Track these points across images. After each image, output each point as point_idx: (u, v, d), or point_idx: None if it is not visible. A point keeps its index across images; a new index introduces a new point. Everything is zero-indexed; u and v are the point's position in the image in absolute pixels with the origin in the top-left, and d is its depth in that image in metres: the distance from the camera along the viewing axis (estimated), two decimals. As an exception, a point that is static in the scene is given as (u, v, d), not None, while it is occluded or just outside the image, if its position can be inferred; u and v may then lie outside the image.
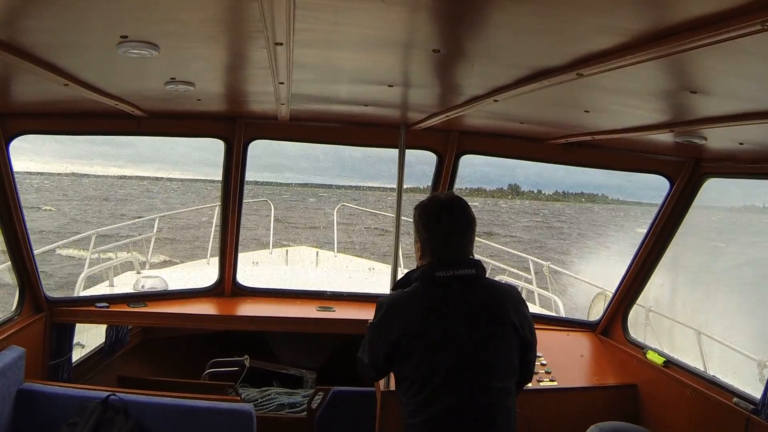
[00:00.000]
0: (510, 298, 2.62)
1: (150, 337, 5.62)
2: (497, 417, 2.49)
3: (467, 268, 2.55)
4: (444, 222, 2.61)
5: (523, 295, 8.58)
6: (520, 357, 2.61)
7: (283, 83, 2.77)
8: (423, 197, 2.82)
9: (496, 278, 9.70)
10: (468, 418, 2.47)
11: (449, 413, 2.46)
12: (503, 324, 2.54)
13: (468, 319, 2.51)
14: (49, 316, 4.22)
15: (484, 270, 2.61)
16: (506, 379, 2.54)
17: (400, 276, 3.08)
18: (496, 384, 2.49)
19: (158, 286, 5.12)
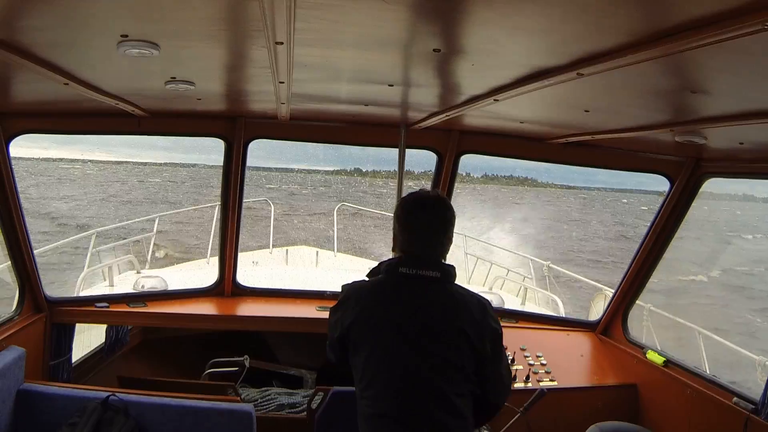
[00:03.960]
0: (470, 307, 2.51)
1: (150, 337, 5.62)
2: (442, 420, 2.43)
3: (432, 269, 2.51)
4: (417, 218, 2.58)
5: (523, 296, 8.62)
6: (476, 369, 2.51)
7: (283, 83, 2.77)
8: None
9: (495, 278, 9.71)
10: (413, 418, 2.43)
11: (396, 411, 2.44)
12: (454, 331, 2.47)
13: (419, 321, 2.47)
14: (49, 316, 4.22)
15: (451, 275, 2.54)
16: (452, 383, 2.46)
17: None
18: (441, 387, 2.44)
19: (158, 286, 5.12)
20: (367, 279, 2.68)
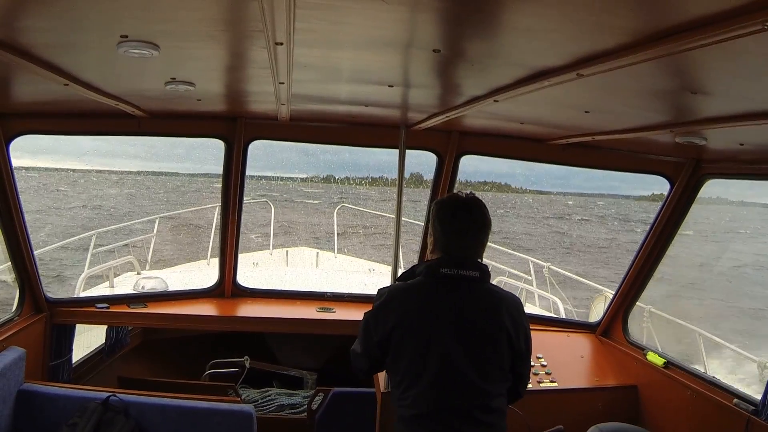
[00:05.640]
0: (508, 306, 2.62)
1: (150, 338, 5.62)
2: (483, 418, 2.50)
3: (472, 269, 2.57)
4: (458, 220, 2.63)
5: (523, 297, 8.62)
6: (511, 366, 2.62)
7: (283, 83, 2.77)
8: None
9: (495, 279, 9.71)
10: (455, 417, 2.48)
11: (438, 411, 2.48)
12: (497, 330, 2.54)
13: (463, 320, 2.52)
14: (50, 316, 4.22)
15: (488, 275, 2.63)
16: (495, 382, 2.55)
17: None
18: (484, 387, 2.50)
19: (158, 286, 5.12)
20: (404, 282, 2.69)
